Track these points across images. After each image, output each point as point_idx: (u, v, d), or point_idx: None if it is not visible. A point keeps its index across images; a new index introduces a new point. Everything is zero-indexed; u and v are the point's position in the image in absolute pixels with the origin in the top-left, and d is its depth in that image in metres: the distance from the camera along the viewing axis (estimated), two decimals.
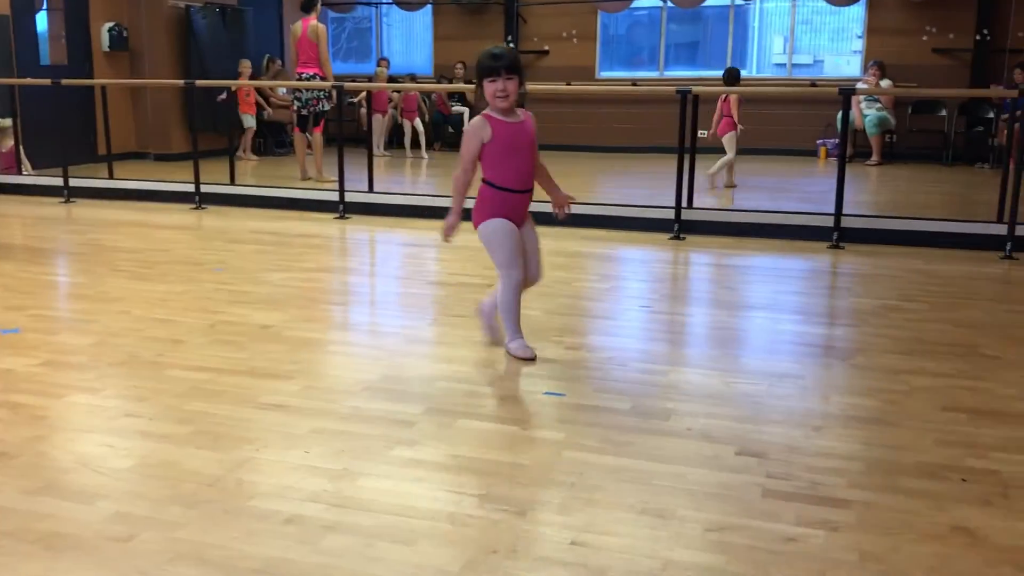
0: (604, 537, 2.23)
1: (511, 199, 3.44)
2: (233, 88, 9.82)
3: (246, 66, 11.03)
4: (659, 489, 2.50)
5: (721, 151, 8.72)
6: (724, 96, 8.54)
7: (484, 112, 3.42)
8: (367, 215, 7.37)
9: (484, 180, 3.48)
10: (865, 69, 11.10)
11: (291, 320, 4.20)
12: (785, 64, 12.61)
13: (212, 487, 2.49)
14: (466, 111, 12.60)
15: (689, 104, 6.62)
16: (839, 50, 12.61)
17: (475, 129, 3.40)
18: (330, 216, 7.32)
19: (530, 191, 3.50)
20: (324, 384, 3.36)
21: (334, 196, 7.45)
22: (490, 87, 3.35)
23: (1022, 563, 2.13)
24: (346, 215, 7.33)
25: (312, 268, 5.51)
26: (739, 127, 8.57)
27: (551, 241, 6.31)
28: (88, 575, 2.05)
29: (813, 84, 11.77)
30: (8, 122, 8.70)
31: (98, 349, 3.73)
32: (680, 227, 6.46)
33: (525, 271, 3.54)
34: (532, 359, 3.57)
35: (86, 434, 2.90)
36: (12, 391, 3.22)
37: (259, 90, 11.56)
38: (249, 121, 11.13)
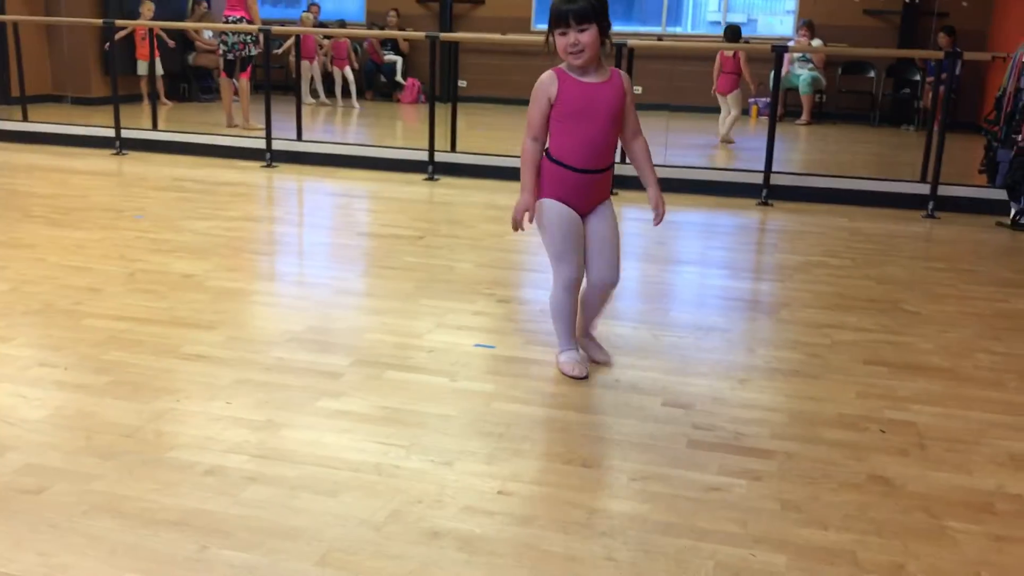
0: (531, 486, 2.23)
1: (570, 178, 2.79)
2: (128, 29, 9.44)
3: (148, 7, 10.36)
4: (586, 439, 2.51)
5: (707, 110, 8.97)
6: (733, 53, 8.64)
7: (557, 66, 2.80)
8: (295, 164, 7.20)
9: (544, 150, 2.86)
10: (796, 29, 11.17)
11: (214, 269, 4.09)
12: (720, 22, 12.63)
13: (129, 438, 2.42)
14: (399, 60, 12.37)
15: (624, 58, 6.59)
16: (773, 9, 12.68)
17: (542, 86, 2.78)
18: (257, 164, 7.14)
19: (601, 172, 2.82)
20: (248, 335, 3.28)
21: (261, 144, 7.26)
22: (561, 41, 2.72)
23: (934, 510, 2.19)
24: (273, 163, 7.15)
25: (237, 217, 5.37)
26: (752, 84, 8.95)
27: (482, 194, 6.27)
28: None
29: (746, 42, 11.80)
30: None
31: (10, 297, 3.58)
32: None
33: (588, 269, 2.90)
34: (583, 378, 2.91)
35: None
36: None
37: (184, 34, 11.15)
38: (144, 68, 10.36)
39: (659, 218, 2.96)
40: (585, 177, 2.80)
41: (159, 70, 10.40)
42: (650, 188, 2.93)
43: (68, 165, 6.91)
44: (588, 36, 2.68)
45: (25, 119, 8.29)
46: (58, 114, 9.17)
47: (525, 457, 2.40)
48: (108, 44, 9.45)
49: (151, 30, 8.46)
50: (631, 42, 6.67)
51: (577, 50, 2.69)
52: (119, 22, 8.40)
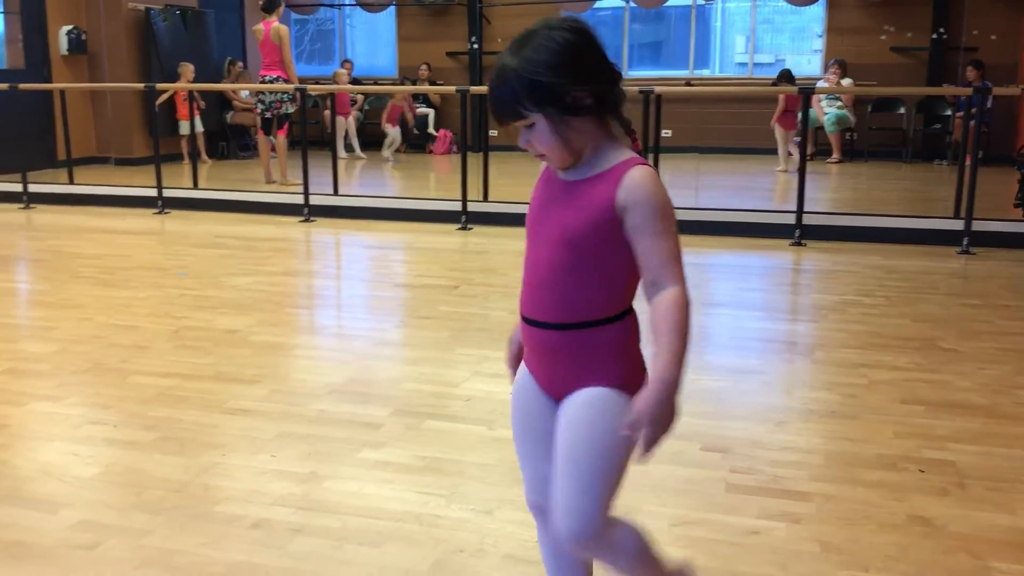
0: None
1: (522, 330, 1.68)
2: (168, 92, 9.72)
3: (188, 69, 10.73)
4: (624, 486, 2.52)
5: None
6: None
7: None
8: (332, 218, 7.34)
9: None
10: (825, 68, 11.23)
11: (256, 324, 4.18)
12: (747, 63, 12.73)
13: (178, 493, 2.48)
14: (431, 112, 12.59)
15: (652, 104, 6.67)
16: (800, 49, 12.75)
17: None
18: (295, 219, 7.29)
19: (550, 329, 1.59)
20: (290, 388, 3.35)
21: (299, 199, 7.42)
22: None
23: (977, 550, 2.18)
24: (311, 218, 7.30)
25: (277, 272, 5.49)
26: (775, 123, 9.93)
27: (515, 242, 6.34)
28: None
29: (775, 83, 11.88)
30: None
31: (60, 357, 3.70)
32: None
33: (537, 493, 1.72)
34: None
35: (49, 442, 2.87)
36: None
37: (222, 93, 11.46)
38: (185, 128, 10.72)
39: (641, 444, 1.49)
40: (529, 331, 1.63)
41: (199, 128, 10.72)
42: (647, 387, 1.49)
43: (113, 225, 7.11)
44: (537, 134, 1.52)
45: (71, 181, 8.54)
46: (102, 175, 9.44)
47: None
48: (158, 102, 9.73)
49: (191, 91, 8.73)
50: (658, 89, 6.75)
51: (536, 155, 1.57)
52: (160, 86, 8.66)
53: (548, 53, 1.47)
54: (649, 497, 2.45)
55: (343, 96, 11.28)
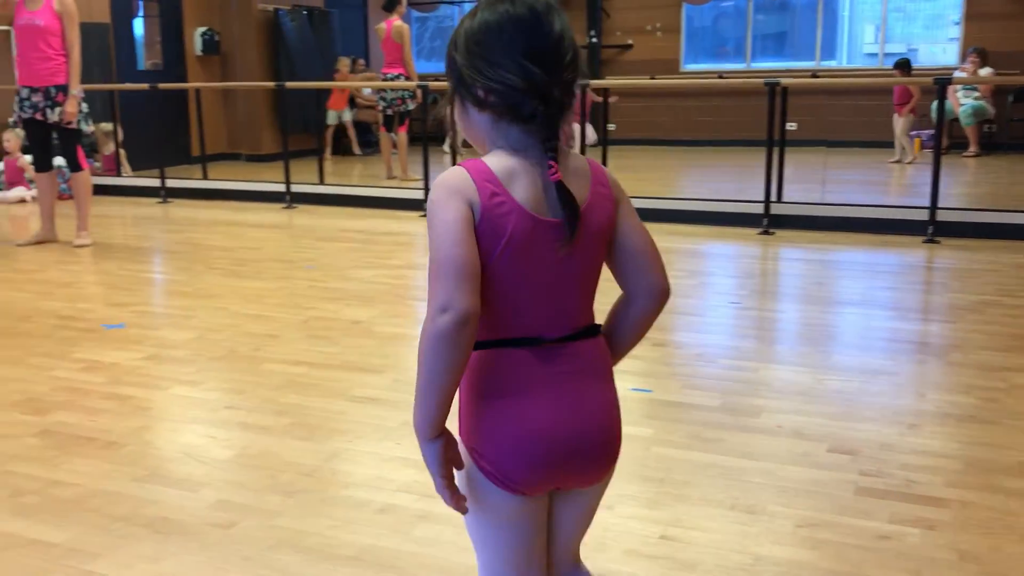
0: (693, 532, 2.23)
1: None
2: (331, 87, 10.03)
3: (344, 63, 11.49)
4: (749, 485, 2.48)
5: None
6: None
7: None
8: None
9: None
10: (963, 57, 10.71)
11: (380, 315, 4.29)
12: (877, 54, 12.27)
13: (309, 477, 2.57)
14: None
15: (778, 96, 6.51)
16: (934, 38, 12.21)
17: None
18: (415, 214, 7.43)
19: None
20: (413, 378, 3.40)
21: (419, 195, 7.55)
22: None
23: None
24: None
25: (399, 265, 5.61)
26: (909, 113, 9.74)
27: None
28: (194, 559, 2.15)
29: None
30: (109, 126, 9.06)
31: (198, 343, 3.88)
32: (769, 222, 6.35)
33: None
34: None
35: (189, 425, 3.02)
36: (119, 383, 3.38)
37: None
38: (333, 118, 11.33)
39: None
40: None
41: (346, 117, 11.46)
42: None
43: (244, 219, 7.40)
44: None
45: (205, 177, 8.94)
46: (233, 171, 9.83)
47: (687, 502, 2.40)
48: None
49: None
50: (784, 81, 6.59)
51: None
52: (289, 84, 8.97)
53: (463, 29, 1.29)
54: (774, 497, 2.40)
55: None
